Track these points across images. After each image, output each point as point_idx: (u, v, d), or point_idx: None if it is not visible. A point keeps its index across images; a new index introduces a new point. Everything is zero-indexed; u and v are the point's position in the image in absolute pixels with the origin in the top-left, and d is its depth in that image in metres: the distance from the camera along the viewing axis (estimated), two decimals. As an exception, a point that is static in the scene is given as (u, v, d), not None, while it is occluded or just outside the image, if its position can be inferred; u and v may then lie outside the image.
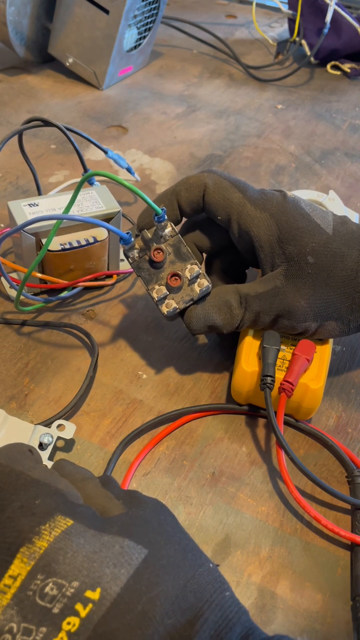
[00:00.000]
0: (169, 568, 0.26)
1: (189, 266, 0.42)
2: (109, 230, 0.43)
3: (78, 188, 0.41)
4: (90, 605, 0.24)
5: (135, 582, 0.25)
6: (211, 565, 0.27)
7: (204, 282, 0.42)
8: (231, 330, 0.43)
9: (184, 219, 0.46)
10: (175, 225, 0.43)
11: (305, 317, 0.41)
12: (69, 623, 0.23)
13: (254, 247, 0.42)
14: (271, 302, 0.41)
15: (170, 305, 0.43)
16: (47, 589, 0.24)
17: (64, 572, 0.24)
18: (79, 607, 0.24)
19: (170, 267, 0.43)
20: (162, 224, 0.42)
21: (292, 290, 0.41)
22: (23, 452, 0.30)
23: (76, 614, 0.24)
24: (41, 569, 0.25)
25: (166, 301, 0.43)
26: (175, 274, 0.42)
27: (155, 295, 0.42)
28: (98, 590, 0.24)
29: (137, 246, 0.42)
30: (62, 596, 0.24)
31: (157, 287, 0.43)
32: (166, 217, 0.42)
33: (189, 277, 0.42)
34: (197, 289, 0.42)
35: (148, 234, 0.42)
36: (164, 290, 0.42)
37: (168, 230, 0.42)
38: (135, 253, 0.42)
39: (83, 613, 0.24)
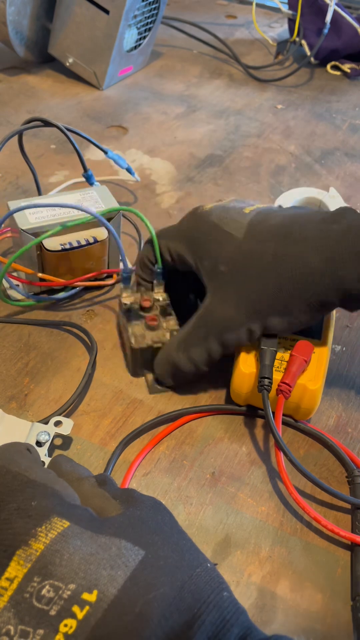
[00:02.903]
0: (166, 569, 0.26)
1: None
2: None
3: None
4: (87, 608, 0.24)
5: (133, 584, 0.25)
6: (209, 565, 0.27)
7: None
8: (194, 372, 0.44)
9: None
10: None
11: (240, 323, 0.41)
12: (66, 625, 0.23)
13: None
14: (205, 326, 0.42)
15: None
16: (43, 592, 0.24)
17: (60, 575, 0.24)
18: (75, 609, 0.24)
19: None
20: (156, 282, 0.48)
21: (218, 304, 0.42)
22: (20, 451, 0.30)
23: (73, 616, 0.24)
24: (38, 571, 0.25)
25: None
26: (152, 318, 0.46)
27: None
28: (95, 592, 0.24)
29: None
30: (58, 598, 0.24)
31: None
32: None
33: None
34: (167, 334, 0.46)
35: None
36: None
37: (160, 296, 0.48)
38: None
39: (80, 615, 0.24)
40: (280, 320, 0.41)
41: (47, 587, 0.24)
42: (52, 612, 0.24)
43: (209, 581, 0.26)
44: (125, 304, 0.47)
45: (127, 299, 0.47)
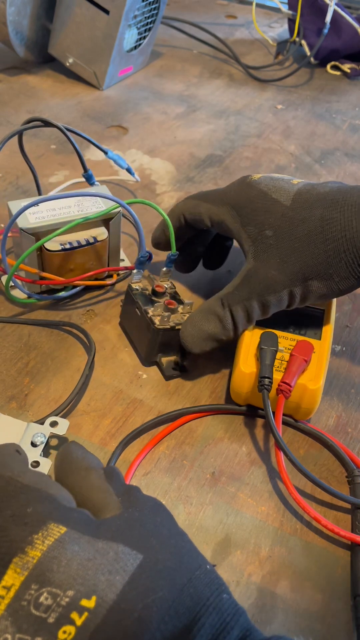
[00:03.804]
0: (165, 572, 0.25)
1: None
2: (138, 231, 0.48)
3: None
4: (85, 614, 0.23)
5: (131, 589, 0.24)
6: (208, 566, 0.27)
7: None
8: (230, 335, 0.44)
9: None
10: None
11: (283, 285, 0.42)
12: (64, 632, 0.23)
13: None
14: (248, 286, 0.43)
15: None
16: (41, 599, 0.24)
17: (58, 581, 0.24)
18: (74, 616, 0.23)
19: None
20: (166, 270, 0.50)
21: (262, 266, 0.43)
22: (11, 454, 0.30)
23: (72, 622, 0.23)
24: (35, 578, 0.24)
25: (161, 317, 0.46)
26: (170, 302, 0.47)
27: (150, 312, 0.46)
28: (93, 598, 0.24)
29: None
30: (57, 605, 0.24)
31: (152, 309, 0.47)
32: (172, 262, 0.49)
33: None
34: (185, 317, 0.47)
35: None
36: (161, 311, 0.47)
37: (168, 284, 0.49)
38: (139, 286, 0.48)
39: (79, 622, 0.23)
40: (320, 284, 0.42)
41: (45, 594, 0.24)
42: (51, 620, 0.23)
43: (208, 583, 0.26)
44: (137, 289, 0.48)
45: (137, 284, 0.48)
